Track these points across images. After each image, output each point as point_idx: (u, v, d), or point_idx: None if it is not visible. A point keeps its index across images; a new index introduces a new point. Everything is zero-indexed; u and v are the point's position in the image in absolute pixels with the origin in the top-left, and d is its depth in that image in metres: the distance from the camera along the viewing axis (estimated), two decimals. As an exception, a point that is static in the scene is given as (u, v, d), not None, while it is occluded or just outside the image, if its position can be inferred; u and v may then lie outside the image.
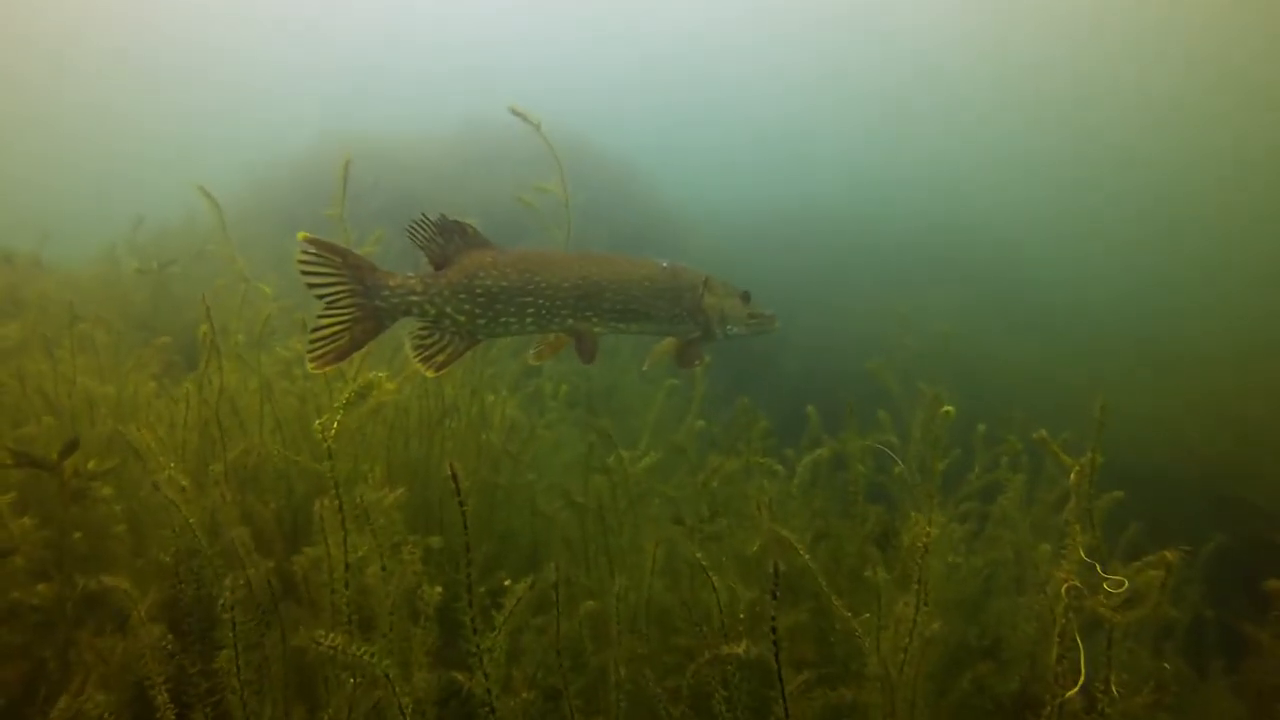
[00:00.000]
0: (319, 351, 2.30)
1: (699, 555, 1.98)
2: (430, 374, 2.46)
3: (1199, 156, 18.69)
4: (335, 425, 1.86)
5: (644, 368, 3.11)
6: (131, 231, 6.52)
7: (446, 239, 2.51)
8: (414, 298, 2.44)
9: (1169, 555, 2.02)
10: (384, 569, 1.95)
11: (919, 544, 1.91)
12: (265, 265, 8.66)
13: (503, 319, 2.49)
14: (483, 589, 2.75)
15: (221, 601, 1.74)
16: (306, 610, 2.41)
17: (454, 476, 1.63)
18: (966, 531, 3.70)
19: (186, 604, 2.48)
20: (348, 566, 1.87)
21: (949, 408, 2.39)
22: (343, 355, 2.34)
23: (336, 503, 1.87)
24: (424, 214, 2.54)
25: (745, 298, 2.85)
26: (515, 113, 4.22)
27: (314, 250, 2.33)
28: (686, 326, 2.77)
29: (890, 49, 29.21)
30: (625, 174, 13.66)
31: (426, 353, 2.45)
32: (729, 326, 2.81)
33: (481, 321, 2.48)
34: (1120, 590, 2.13)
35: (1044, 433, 2.66)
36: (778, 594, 1.53)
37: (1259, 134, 19.12)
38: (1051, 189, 18.48)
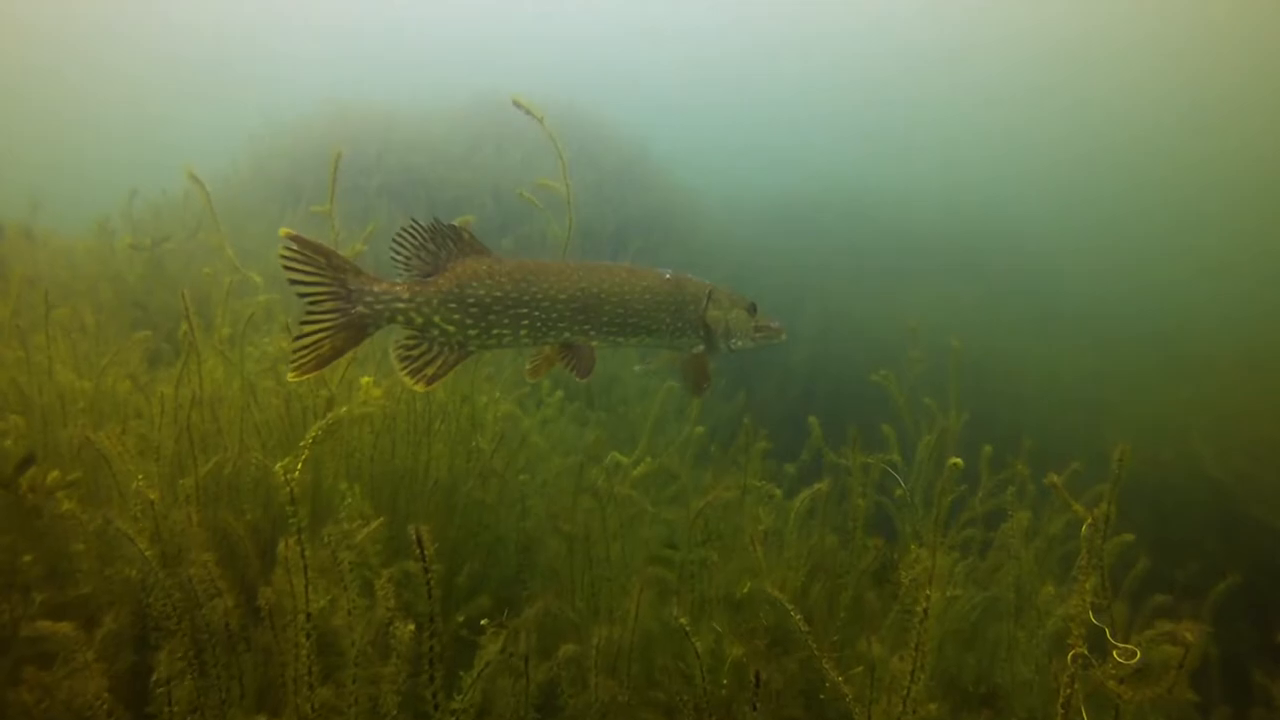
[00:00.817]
0: (300, 361, 2.21)
1: (683, 619, 1.86)
2: (419, 388, 2.33)
3: (1226, 157, 18.27)
4: (299, 467, 1.74)
5: (636, 369, 2.99)
6: (126, 204, 6.38)
7: (439, 245, 2.38)
8: (399, 305, 2.32)
9: (1188, 634, 1.88)
10: (350, 613, 1.84)
11: (918, 625, 1.78)
12: (264, 240, 8.52)
13: (495, 331, 2.38)
14: (460, 618, 2.65)
15: (155, 678, 1.64)
16: (275, 637, 2.30)
17: (419, 542, 1.51)
18: (968, 565, 3.59)
19: (155, 618, 2.39)
20: (309, 616, 1.76)
21: (957, 460, 2.26)
22: (324, 363, 2.23)
23: (300, 549, 1.75)
24: (414, 220, 2.42)
25: (752, 309, 2.72)
26: (517, 104, 4.09)
27: (296, 249, 2.23)
28: (689, 340, 2.65)
29: (910, 37, 28.64)
30: (637, 156, 13.42)
31: (413, 365, 2.33)
32: (734, 340, 2.69)
33: (473, 333, 2.37)
34: (1131, 662, 2.01)
35: (1055, 477, 2.53)
36: (758, 705, 1.40)
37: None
38: (1071, 188, 18.13)
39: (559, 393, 4.57)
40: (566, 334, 2.44)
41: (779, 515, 3.09)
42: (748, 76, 29.90)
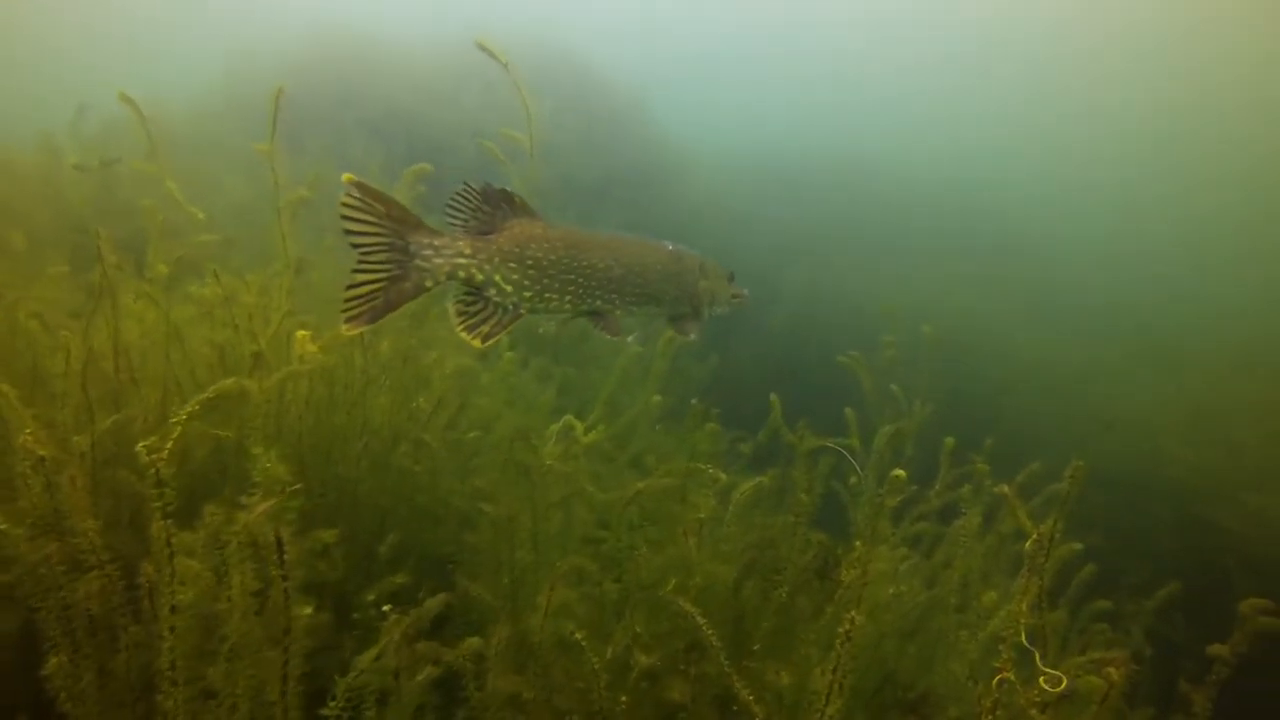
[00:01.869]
0: (353, 311, 2.15)
1: (579, 634, 1.74)
2: (477, 344, 2.32)
3: (1228, 155, 17.93)
4: (169, 444, 1.58)
5: (629, 339, 3.13)
6: (74, 121, 6.03)
7: (494, 208, 2.37)
8: (462, 260, 2.29)
9: (1114, 671, 1.79)
10: (229, 600, 1.70)
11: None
12: (233, 169, 8.16)
13: (546, 294, 2.41)
14: (370, 597, 2.53)
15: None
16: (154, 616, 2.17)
17: (279, 545, 1.36)
18: (916, 561, 3.52)
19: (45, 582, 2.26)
20: (174, 609, 1.62)
21: (900, 472, 2.14)
22: (377, 316, 2.16)
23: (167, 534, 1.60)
24: (467, 183, 2.38)
25: (731, 278, 2.94)
26: (481, 47, 3.95)
27: (358, 195, 2.16)
28: (684, 308, 2.81)
29: (915, 5, 27.76)
30: (630, 104, 12.96)
31: (471, 320, 2.31)
32: (715, 308, 2.91)
33: (528, 294, 2.37)
34: (1057, 689, 1.92)
35: (1006, 488, 2.44)
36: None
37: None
38: (1071, 175, 17.80)
39: (509, 353, 4.41)
40: (599, 302, 2.52)
41: (724, 501, 2.98)
42: (748, 34, 29.03)
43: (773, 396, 4.08)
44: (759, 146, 15.74)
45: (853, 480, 3.57)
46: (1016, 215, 14.51)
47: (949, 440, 3.96)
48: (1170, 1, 22.85)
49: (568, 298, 2.45)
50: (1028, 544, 2.24)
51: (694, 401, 3.13)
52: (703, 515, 2.72)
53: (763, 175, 13.91)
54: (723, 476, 3.02)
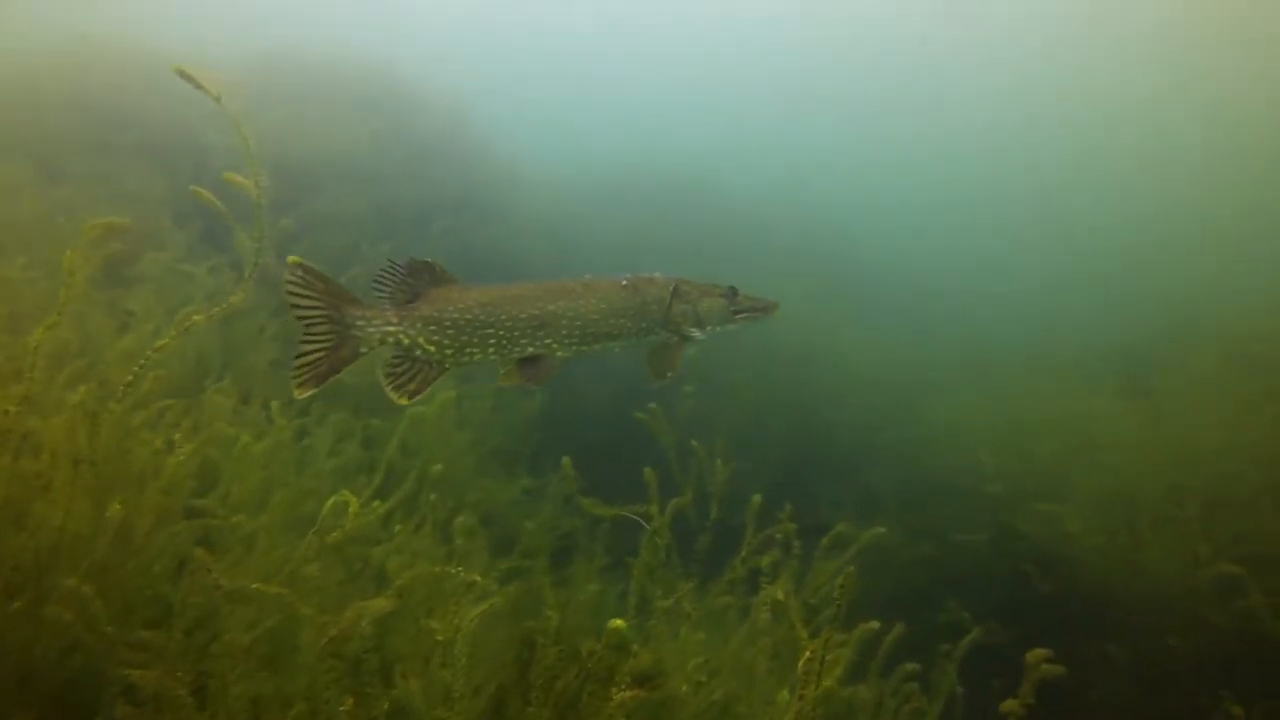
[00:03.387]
0: (301, 377, 2.50)
1: None
2: (403, 401, 2.61)
3: (1059, 159, 19.04)
4: None
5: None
6: None
7: (416, 279, 2.69)
8: (390, 328, 2.63)
9: None
10: None
11: None
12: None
13: (468, 349, 2.70)
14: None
15: None
16: None
17: None
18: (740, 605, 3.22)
19: None
20: None
21: (619, 622, 1.76)
22: (322, 380, 2.52)
23: None
24: (391, 260, 2.68)
25: (730, 294, 2.95)
26: (182, 75, 3.46)
27: (301, 275, 2.49)
28: (660, 336, 2.88)
29: (754, 10, 28.44)
30: (455, 124, 12.34)
31: (398, 380, 2.61)
32: (709, 328, 2.93)
33: (449, 351, 2.69)
34: None
35: (779, 593, 2.14)
36: None
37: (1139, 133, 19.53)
38: (912, 185, 18.52)
39: (280, 421, 3.85)
40: (530, 348, 2.75)
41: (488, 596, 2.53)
42: (582, 50, 28.81)
43: (565, 460, 3.67)
44: (594, 164, 15.43)
45: (644, 555, 3.22)
46: (855, 227, 14.88)
47: (755, 498, 3.71)
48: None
49: (490, 348, 2.72)
50: (800, 664, 1.95)
51: (432, 496, 2.67)
52: (442, 639, 2.25)
53: (598, 193, 13.56)
54: (478, 579, 2.58)
